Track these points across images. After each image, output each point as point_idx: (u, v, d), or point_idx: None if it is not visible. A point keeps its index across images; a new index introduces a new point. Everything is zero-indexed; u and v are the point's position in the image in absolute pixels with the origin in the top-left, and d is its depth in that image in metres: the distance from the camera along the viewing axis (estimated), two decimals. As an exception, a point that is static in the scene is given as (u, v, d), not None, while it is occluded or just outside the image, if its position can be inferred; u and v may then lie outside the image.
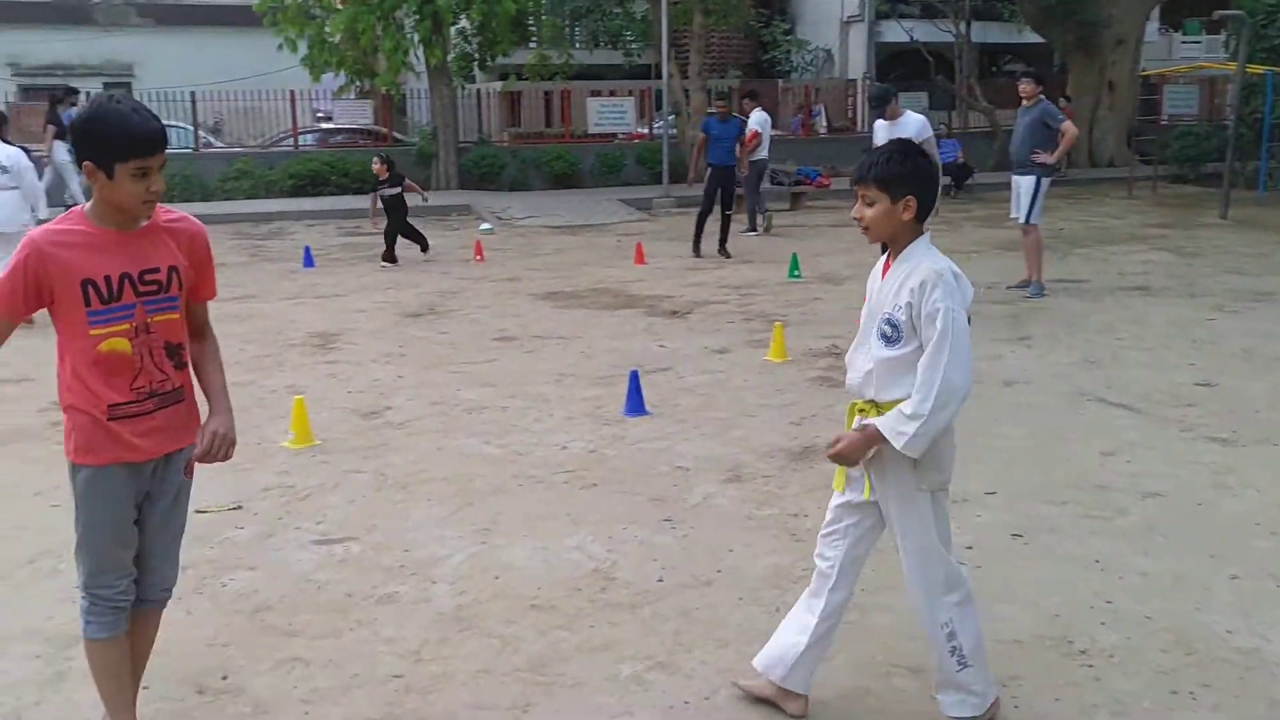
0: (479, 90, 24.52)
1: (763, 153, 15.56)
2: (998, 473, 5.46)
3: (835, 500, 3.27)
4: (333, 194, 20.20)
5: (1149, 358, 7.83)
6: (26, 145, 20.62)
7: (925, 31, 27.46)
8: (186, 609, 4.12)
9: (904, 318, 2.98)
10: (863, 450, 3.05)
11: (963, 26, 25.60)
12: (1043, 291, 10.17)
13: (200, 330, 3.09)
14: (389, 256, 13.00)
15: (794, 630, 3.30)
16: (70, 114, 15.27)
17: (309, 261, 12.94)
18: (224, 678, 3.63)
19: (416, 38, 20.70)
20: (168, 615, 4.02)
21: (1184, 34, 34.53)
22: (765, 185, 16.51)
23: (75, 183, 15.57)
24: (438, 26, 20.39)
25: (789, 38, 30.48)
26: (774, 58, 30.58)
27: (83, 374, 2.81)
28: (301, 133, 22.68)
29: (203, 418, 3.05)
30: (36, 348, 8.69)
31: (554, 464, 5.74)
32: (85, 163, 2.71)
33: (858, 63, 29.20)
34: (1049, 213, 16.53)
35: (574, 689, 3.52)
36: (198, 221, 3.00)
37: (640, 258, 12.89)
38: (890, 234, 3.05)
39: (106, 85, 26.85)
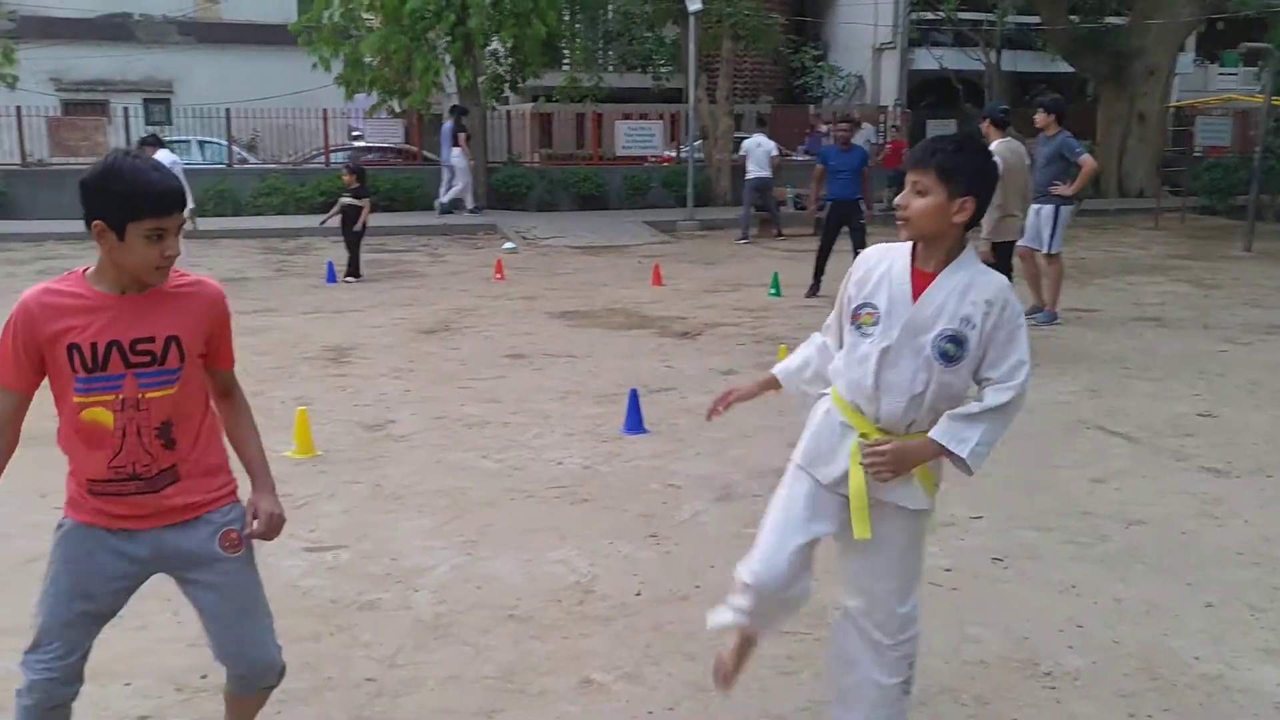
0: (509, 111, 24.78)
1: (763, 171, 18.10)
2: (985, 498, 5.48)
3: (806, 537, 2.94)
4: (362, 211, 20.48)
5: (1154, 388, 7.82)
6: (70, 159, 21.19)
7: (956, 60, 27.51)
8: (174, 610, 4.22)
9: (972, 334, 2.68)
10: (916, 462, 2.71)
11: (993, 55, 25.63)
12: (1055, 319, 10.17)
13: (226, 392, 2.87)
14: (354, 271, 13.20)
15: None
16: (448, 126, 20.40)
17: (331, 277, 13.15)
18: (203, 677, 3.72)
19: (448, 58, 20.98)
20: (155, 618, 4.16)
21: (1221, 66, 34.42)
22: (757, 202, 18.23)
23: (461, 184, 20.39)
24: (469, 48, 20.66)
25: (820, 64, 30.58)
26: (805, 83, 30.69)
27: (70, 437, 2.66)
28: (333, 150, 22.99)
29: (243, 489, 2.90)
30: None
31: (547, 479, 5.83)
32: (95, 222, 2.50)
33: (890, 90, 29.24)
34: (1070, 242, 16.51)
35: (539, 696, 3.60)
36: (214, 285, 2.75)
37: (658, 279, 12.99)
38: (934, 233, 2.69)
39: (147, 101, 27.41)
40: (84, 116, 23.12)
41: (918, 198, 2.67)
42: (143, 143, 13.16)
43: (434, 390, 7.79)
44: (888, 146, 21.87)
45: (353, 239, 13.25)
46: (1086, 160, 9.95)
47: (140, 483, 2.64)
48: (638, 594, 4.40)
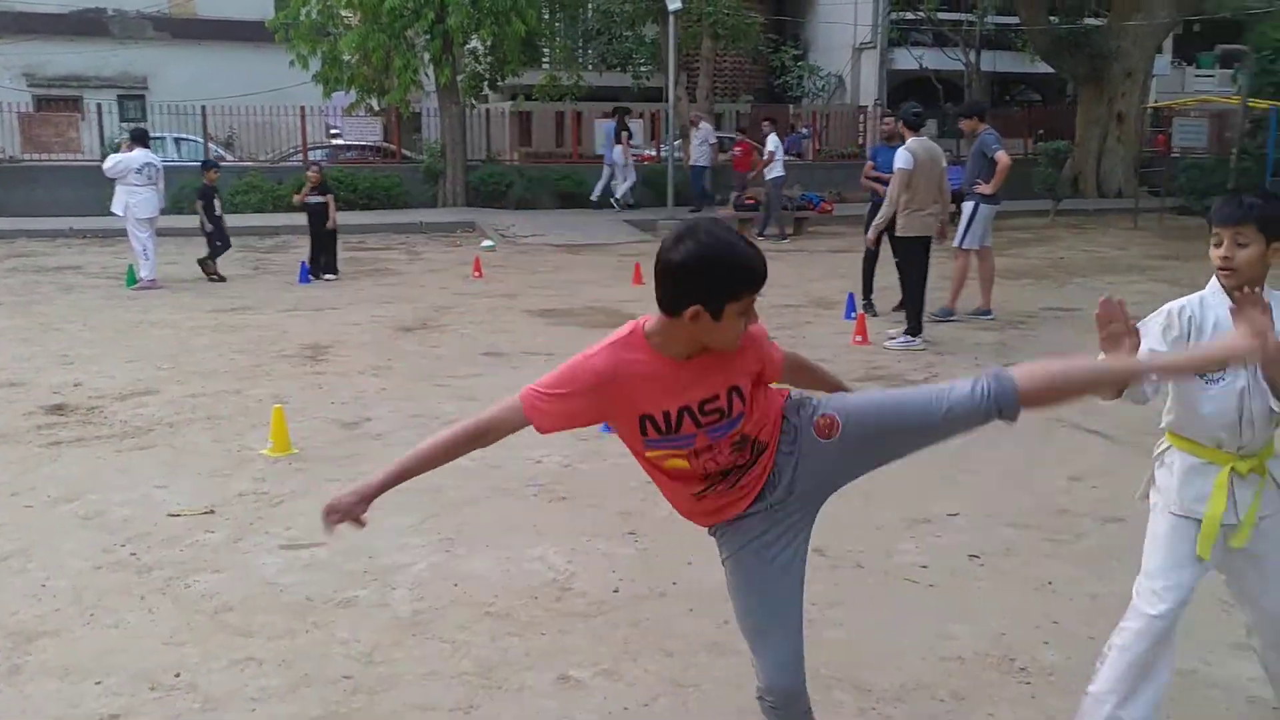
0: (488, 110, 24.73)
1: (779, 171, 17.78)
2: (963, 496, 5.51)
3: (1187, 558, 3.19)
4: (340, 209, 20.36)
5: (1130, 386, 7.86)
6: (43, 156, 20.95)
7: (936, 60, 27.64)
8: (149, 608, 4.21)
9: None
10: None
11: (972, 55, 25.74)
12: (989, 314, 10.36)
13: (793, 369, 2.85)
14: (331, 268, 13.43)
15: None
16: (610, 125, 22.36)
17: (304, 278, 13.10)
18: (177, 675, 3.70)
19: (427, 57, 20.90)
20: (127, 615, 4.14)
21: (1198, 67, 34.69)
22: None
23: (626, 185, 21.85)
24: (448, 46, 20.59)
25: (800, 64, 30.65)
26: (785, 83, 30.75)
27: (651, 472, 2.69)
28: (312, 148, 22.89)
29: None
30: (31, 354, 8.83)
31: (526, 477, 5.82)
32: (691, 307, 2.35)
33: (869, 89, 29.36)
34: (1050, 241, 16.64)
35: (517, 692, 3.59)
36: (757, 325, 2.57)
37: (638, 278, 12.99)
38: (1256, 278, 2.94)
39: (121, 97, 27.18)
40: (57, 113, 22.92)
41: (1241, 249, 2.94)
42: (131, 138, 12.99)
43: (411, 388, 7.76)
44: (736, 150, 20.74)
45: (329, 237, 13.31)
46: (1001, 157, 10.02)
47: (734, 472, 2.60)
48: (616, 591, 4.40)
